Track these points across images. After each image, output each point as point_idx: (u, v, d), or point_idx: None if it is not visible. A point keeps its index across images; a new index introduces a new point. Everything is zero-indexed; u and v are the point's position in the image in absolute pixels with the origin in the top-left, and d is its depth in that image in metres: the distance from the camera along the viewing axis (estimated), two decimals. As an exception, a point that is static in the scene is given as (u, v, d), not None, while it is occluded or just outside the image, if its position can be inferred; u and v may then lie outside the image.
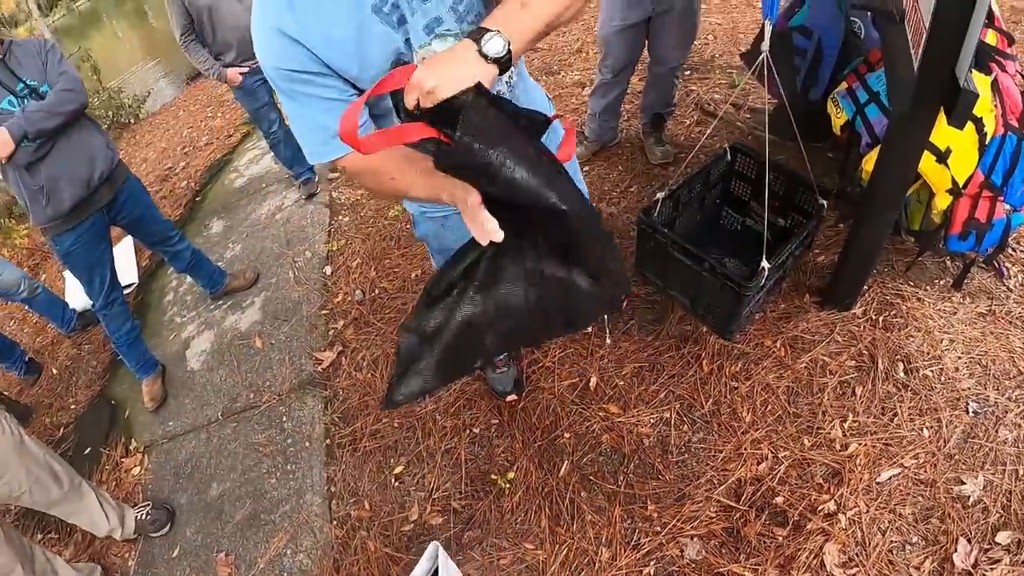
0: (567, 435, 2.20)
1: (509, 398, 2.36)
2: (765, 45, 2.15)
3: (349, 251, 3.60)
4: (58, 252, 2.78)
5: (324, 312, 3.21)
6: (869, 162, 2.18)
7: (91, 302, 2.95)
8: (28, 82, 2.51)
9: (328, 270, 3.52)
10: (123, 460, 2.88)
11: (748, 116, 3.48)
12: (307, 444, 2.54)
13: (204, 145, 6.42)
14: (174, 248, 3.22)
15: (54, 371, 3.81)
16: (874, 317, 2.28)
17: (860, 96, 2.45)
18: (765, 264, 1.93)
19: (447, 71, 1.02)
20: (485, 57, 1.05)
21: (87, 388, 3.53)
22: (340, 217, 3.99)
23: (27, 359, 3.84)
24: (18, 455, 2.07)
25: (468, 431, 2.33)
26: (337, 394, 2.71)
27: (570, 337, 2.52)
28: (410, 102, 1.01)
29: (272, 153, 4.48)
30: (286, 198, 4.48)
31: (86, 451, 3.01)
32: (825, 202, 2.12)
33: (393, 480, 2.28)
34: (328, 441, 2.52)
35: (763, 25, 2.92)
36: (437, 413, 2.43)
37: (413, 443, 2.37)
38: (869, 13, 2.60)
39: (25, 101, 2.49)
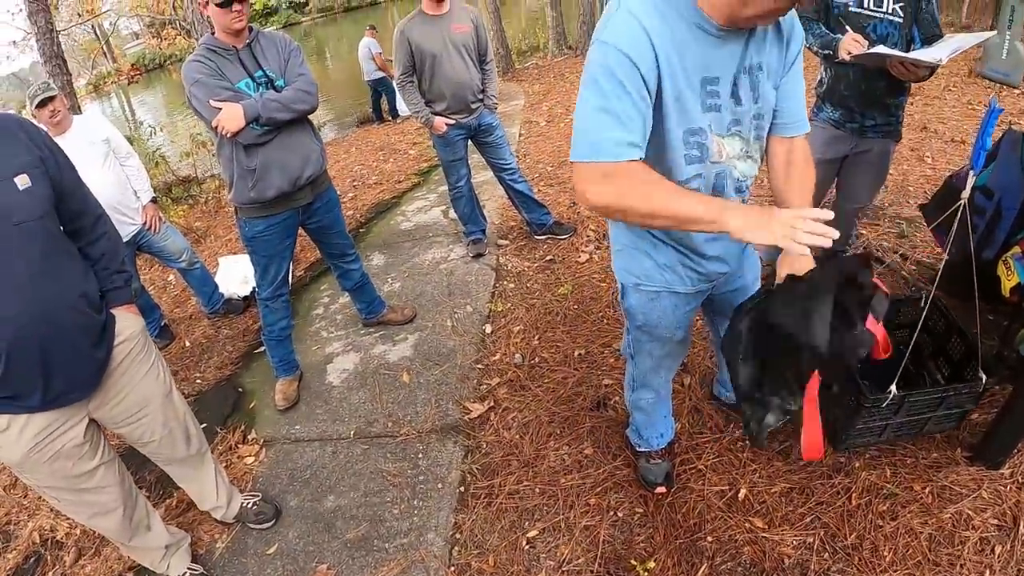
0: (709, 539, 2.22)
1: (658, 490, 2.40)
2: (966, 193, 2.21)
3: (512, 316, 3.71)
4: (244, 234, 2.90)
5: (479, 366, 3.31)
6: None
7: (258, 289, 3.08)
8: (267, 72, 2.68)
9: (488, 328, 3.63)
10: (239, 446, 2.99)
11: (914, 268, 3.54)
12: (439, 486, 2.61)
13: (373, 184, 6.79)
14: (348, 266, 3.38)
15: (187, 343, 4.02)
16: (1021, 480, 2.28)
17: None
18: (892, 388, 2.02)
19: None
20: None
21: (217, 369, 3.71)
22: (505, 282, 4.12)
23: (163, 324, 4.06)
24: (162, 404, 2.09)
25: (612, 513, 2.37)
26: (480, 446, 2.78)
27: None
28: None
29: (449, 205, 4.70)
30: (452, 251, 4.68)
31: (201, 426, 3.09)
32: (985, 377, 2.13)
33: (524, 543, 2.32)
34: (462, 489, 2.58)
35: (949, 178, 3.01)
36: (583, 490, 2.47)
37: (552, 512, 2.41)
38: None
39: (261, 88, 2.65)
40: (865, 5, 2.65)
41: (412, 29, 3.65)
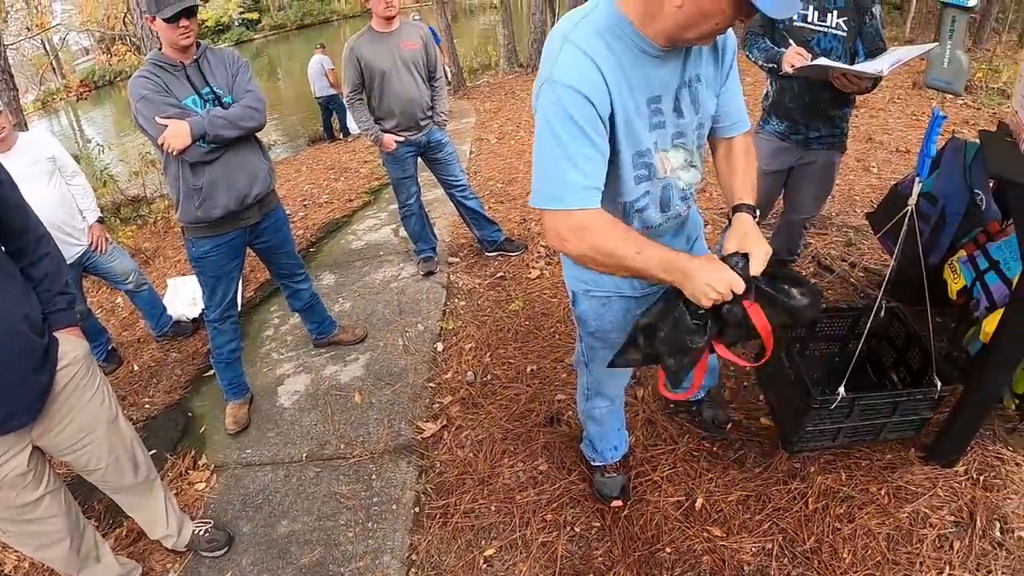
0: (668, 550, 2.21)
1: (614, 503, 2.38)
2: (913, 199, 2.28)
3: (463, 333, 3.69)
4: (191, 254, 2.84)
5: (431, 385, 3.27)
6: (990, 324, 2.26)
7: (206, 311, 3.01)
8: (214, 88, 2.63)
9: (439, 347, 3.60)
10: (190, 472, 2.90)
11: (862, 275, 3.62)
12: (394, 507, 2.55)
13: (324, 203, 6.75)
14: (297, 285, 3.32)
15: (135, 367, 3.90)
16: (975, 476, 2.34)
17: (980, 263, 2.56)
18: (841, 390, 2.06)
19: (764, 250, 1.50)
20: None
21: (166, 394, 3.60)
22: (456, 300, 4.11)
23: (110, 347, 3.94)
24: (107, 430, 2.03)
25: (569, 528, 2.34)
26: (434, 466, 2.73)
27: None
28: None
29: (400, 224, 4.68)
30: (403, 270, 4.65)
31: (150, 452, 3.00)
32: (940, 385, 2.15)
33: (482, 561, 2.28)
34: (417, 509, 2.53)
35: (895, 186, 3.08)
36: (539, 506, 2.44)
37: (509, 530, 2.37)
38: (992, 188, 2.70)
39: (208, 105, 2.60)
40: (809, 19, 2.71)
41: (361, 46, 3.65)
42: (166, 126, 2.46)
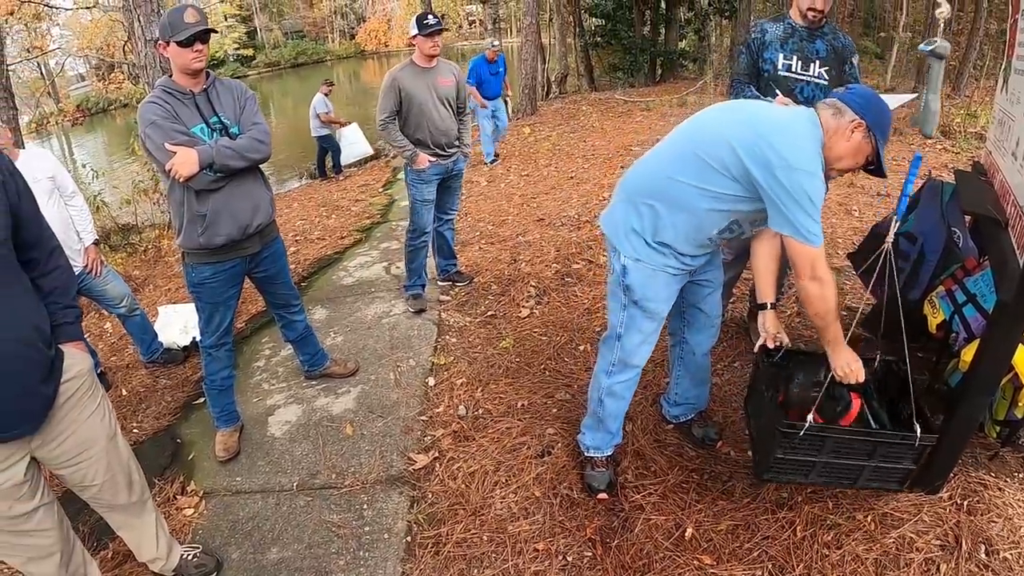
0: (658, 579, 2.24)
1: (600, 496, 2.52)
2: (890, 237, 2.41)
3: (455, 369, 3.72)
4: (190, 280, 2.86)
5: (423, 418, 3.29)
6: (968, 353, 2.34)
7: (201, 337, 3.02)
8: (222, 118, 2.68)
9: (431, 381, 3.62)
10: (178, 498, 2.87)
11: (845, 313, 3.66)
12: (385, 536, 2.55)
13: (316, 239, 6.80)
14: (292, 316, 3.35)
15: (123, 392, 3.88)
16: (959, 502, 2.40)
17: (958, 297, 2.65)
18: (809, 418, 2.10)
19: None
20: None
21: (155, 420, 3.58)
22: (447, 337, 4.16)
23: (100, 371, 3.90)
24: (106, 446, 2.02)
25: (561, 558, 2.35)
26: (426, 496, 2.73)
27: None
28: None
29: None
30: (394, 306, 4.71)
31: None
32: (919, 432, 2.08)
33: (473, 591, 2.29)
34: (408, 539, 2.53)
35: (875, 227, 3.17)
36: (531, 536, 2.46)
37: (500, 559, 2.38)
38: (968, 225, 2.79)
39: (215, 134, 2.65)
40: (793, 69, 2.82)
41: (404, 78, 3.97)
42: (174, 152, 2.49)
